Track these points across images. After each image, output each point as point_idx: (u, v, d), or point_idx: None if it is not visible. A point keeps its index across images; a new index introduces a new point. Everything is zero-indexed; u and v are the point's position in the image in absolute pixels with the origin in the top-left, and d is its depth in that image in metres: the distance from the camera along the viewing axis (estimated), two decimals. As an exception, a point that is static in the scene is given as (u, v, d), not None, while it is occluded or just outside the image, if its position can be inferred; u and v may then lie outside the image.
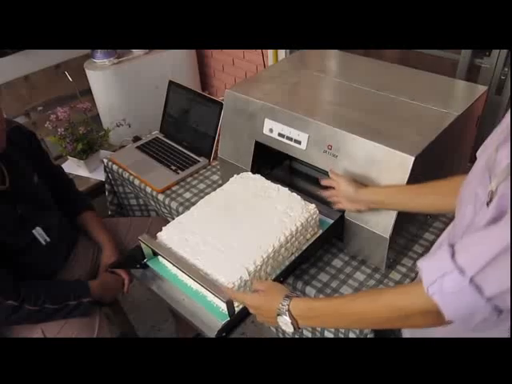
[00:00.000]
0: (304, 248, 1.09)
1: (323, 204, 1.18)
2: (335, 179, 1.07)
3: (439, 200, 0.90)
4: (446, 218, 1.29)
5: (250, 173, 1.24)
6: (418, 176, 1.00)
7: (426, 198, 0.94)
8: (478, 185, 0.63)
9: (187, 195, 1.49)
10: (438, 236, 1.24)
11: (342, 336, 1.13)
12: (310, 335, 1.21)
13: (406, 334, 0.86)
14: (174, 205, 1.46)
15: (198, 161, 1.64)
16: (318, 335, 1.18)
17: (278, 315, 0.82)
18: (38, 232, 1.22)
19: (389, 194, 1.00)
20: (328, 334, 1.15)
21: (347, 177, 1.06)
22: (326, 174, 1.16)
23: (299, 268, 1.12)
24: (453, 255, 0.58)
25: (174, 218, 1.13)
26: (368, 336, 1.03)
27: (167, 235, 1.06)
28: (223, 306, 0.91)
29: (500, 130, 0.64)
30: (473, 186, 0.65)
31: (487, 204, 0.56)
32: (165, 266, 1.07)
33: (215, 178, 1.57)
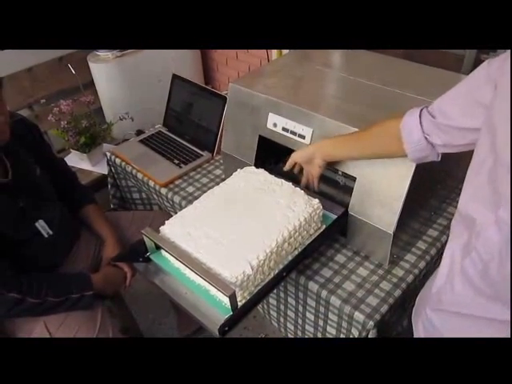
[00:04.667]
0: (307, 243, 1.09)
1: (327, 199, 1.18)
2: (290, 159, 1.16)
3: (383, 145, 0.95)
4: (452, 215, 1.29)
5: (253, 167, 1.23)
6: (422, 172, 0.99)
7: (370, 145, 0.99)
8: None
9: (190, 189, 1.49)
10: (441, 232, 1.24)
11: (343, 336, 1.13)
12: (311, 330, 1.21)
13: (420, 332, 0.85)
14: (176, 199, 1.45)
15: (201, 155, 1.64)
16: (320, 335, 1.18)
17: None
18: (41, 225, 1.21)
19: (335, 145, 1.06)
20: (330, 330, 1.15)
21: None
22: (330, 169, 1.15)
23: (302, 263, 1.12)
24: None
25: (176, 212, 1.12)
26: (370, 336, 1.03)
27: (170, 229, 1.05)
28: (226, 301, 0.91)
29: None
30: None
31: None
32: (167, 259, 1.07)
33: (218, 172, 1.56)
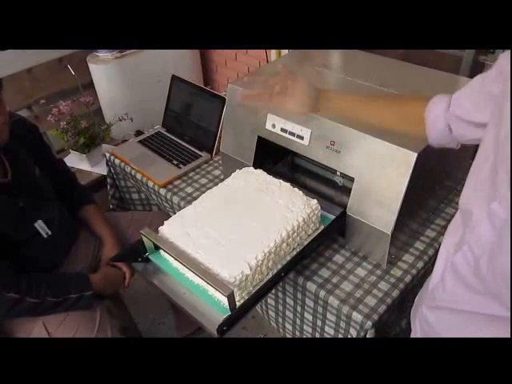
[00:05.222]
0: (305, 243, 1.09)
1: (325, 200, 1.18)
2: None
3: (403, 118, 0.88)
4: (450, 216, 1.29)
5: (252, 168, 1.24)
6: (420, 172, 1.00)
7: (403, 109, 0.90)
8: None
9: (189, 190, 1.49)
10: (439, 233, 1.24)
11: (341, 336, 1.13)
12: (310, 331, 1.22)
13: (417, 331, 0.86)
14: (175, 199, 1.46)
15: (200, 155, 1.64)
16: (318, 335, 1.19)
17: None
18: (40, 225, 1.22)
19: (353, 106, 0.95)
20: (328, 330, 1.15)
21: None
22: (328, 169, 1.16)
23: (300, 263, 1.12)
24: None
25: (175, 213, 1.13)
26: (368, 336, 1.04)
27: (169, 229, 1.06)
28: (224, 301, 0.91)
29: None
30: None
31: None
32: (166, 259, 1.07)
33: (217, 172, 1.57)
